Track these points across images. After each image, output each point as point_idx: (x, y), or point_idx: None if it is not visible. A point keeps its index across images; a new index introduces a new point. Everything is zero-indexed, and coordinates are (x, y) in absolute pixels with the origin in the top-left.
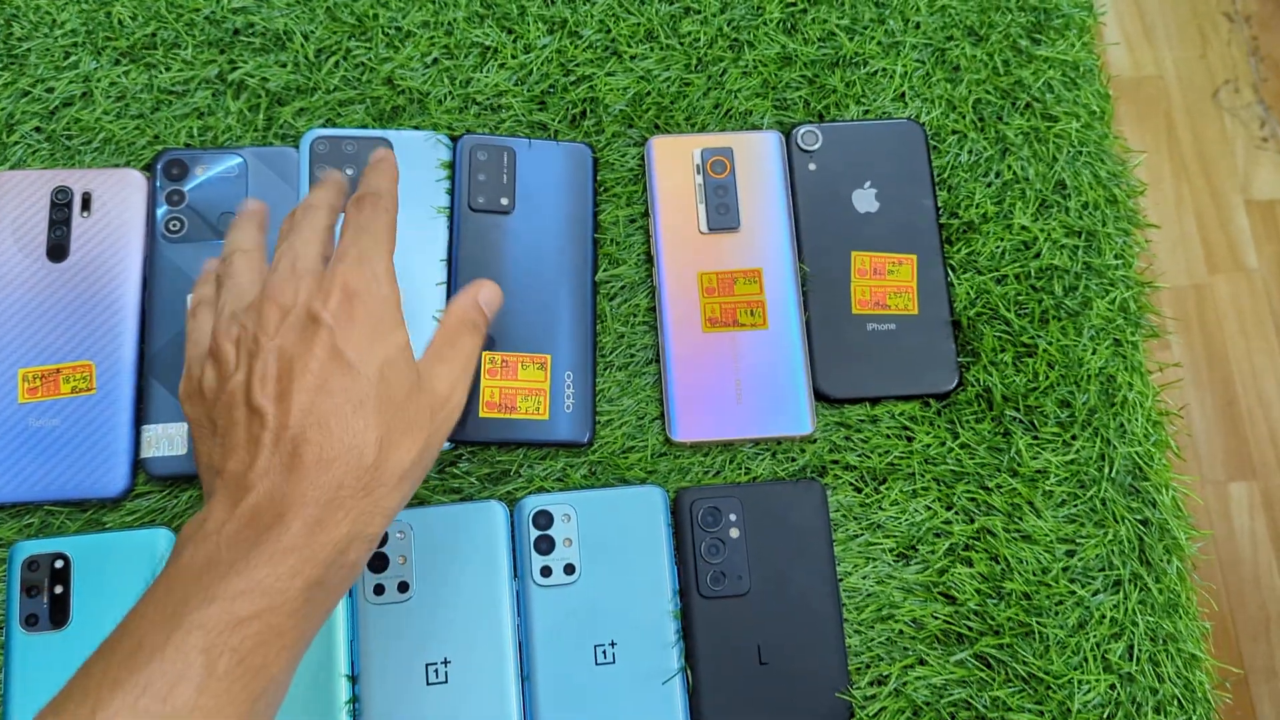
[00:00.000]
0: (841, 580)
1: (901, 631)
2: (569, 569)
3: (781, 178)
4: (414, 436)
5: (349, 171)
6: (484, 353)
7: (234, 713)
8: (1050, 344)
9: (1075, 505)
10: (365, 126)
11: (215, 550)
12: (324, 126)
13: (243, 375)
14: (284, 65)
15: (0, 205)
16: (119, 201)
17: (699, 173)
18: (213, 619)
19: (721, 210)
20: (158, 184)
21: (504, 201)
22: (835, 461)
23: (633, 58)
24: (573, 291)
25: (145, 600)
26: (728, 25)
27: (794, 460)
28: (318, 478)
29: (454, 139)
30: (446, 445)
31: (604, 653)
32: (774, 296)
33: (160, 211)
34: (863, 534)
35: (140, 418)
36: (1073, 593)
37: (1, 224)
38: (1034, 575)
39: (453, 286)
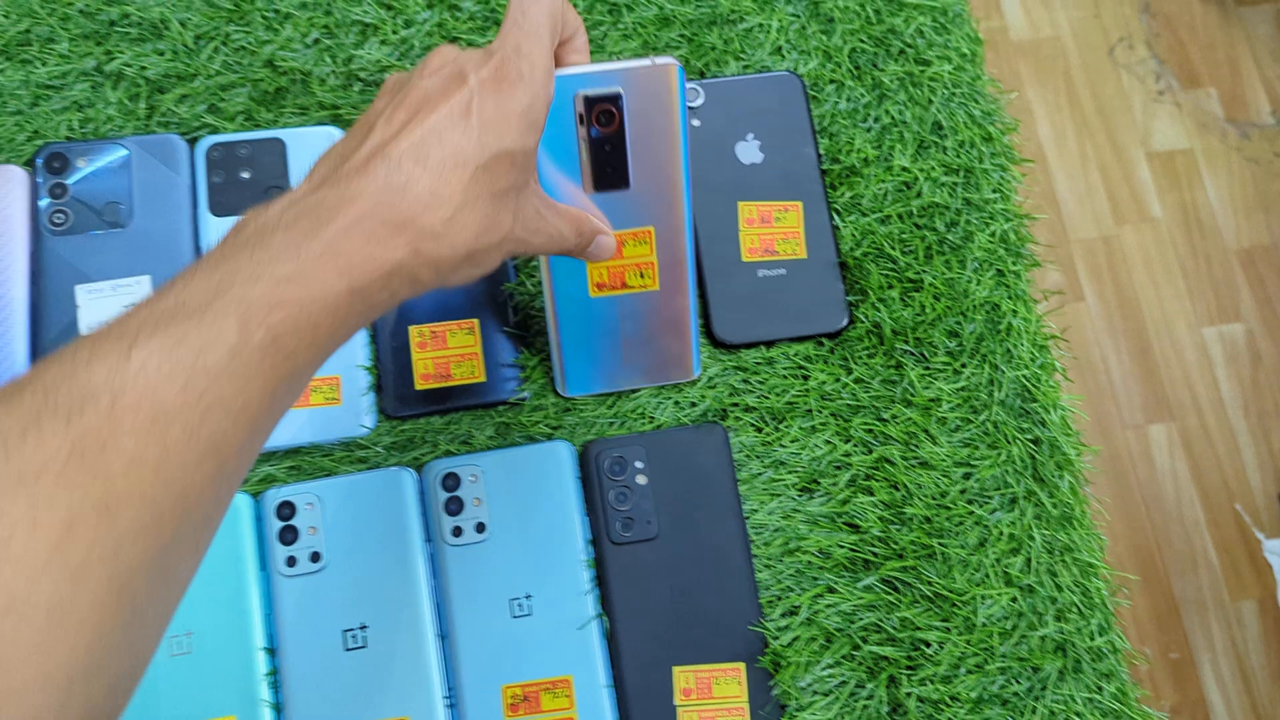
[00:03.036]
0: (748, 517)
1: (809, 563)
2: (480, 527)
3: (680, 117)
4: (487, 232)
5: (244, 175)
6: (412, 327)
7: (260, 387)
8: (935, 278)
9: (969, 430)
10: (249, 110)
11: (272, 233)
12: (208, 117)
13: (383, 103)
14: (162, 53)
15: None
16: (1, 197)
17: (581, 123)
18: (256, 296)
19: (610, 169)
20: (39, 178)
21: None
22: (735, 404)
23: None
24: None
25: (195, 267)
26: None
27: (695, 406)
28: (393, 200)
29: (344, 124)
30: (367, 428)
31: (520, 605)
32: (665, 257)
33: (43, 204)
34: (765, 471)
35: None
36: (971, 513)
37: None
38: (933, 499)
39: None
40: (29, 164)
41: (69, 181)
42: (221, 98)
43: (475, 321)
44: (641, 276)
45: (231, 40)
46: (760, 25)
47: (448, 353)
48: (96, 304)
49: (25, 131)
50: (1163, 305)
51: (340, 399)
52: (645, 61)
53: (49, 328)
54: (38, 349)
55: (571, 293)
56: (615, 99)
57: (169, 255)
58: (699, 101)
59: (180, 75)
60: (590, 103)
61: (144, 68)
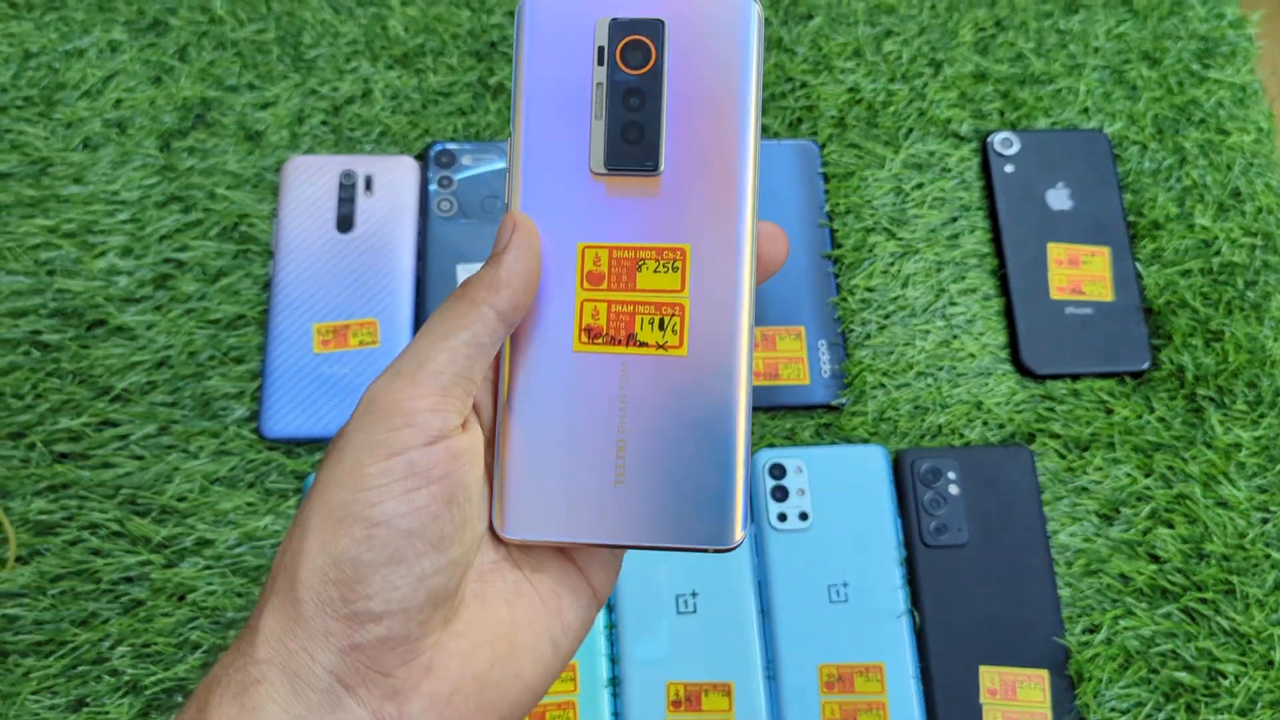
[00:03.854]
0: (1050, 537)
1: (1110, 585)
2: (803, 516)
3: (748, 76)
4: None
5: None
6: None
7: None
8: (1236, 331)
9: (1266, 477)
10: None
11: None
12: None
13: None
14: None
15: (296, 185)
16: (396, 183)
17: (600, 61)
18: None
19: (633, 136)
20: (430, 171)
21: None
22: (1041, 430)
23: (842, 71)
24: (814, 266)
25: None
26: (926, 46)
27: (1003, 427)
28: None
29: None
30: None
31: (837, 591)
32: (705, 298)
33: (432, 191)
34: (1068, 496)
35: None
36: (1268, 556)
37: (297, 200)
38: (1232, 539)
39: None
40: (419, 157)
41: (455, 175)
42: None
43: (802, 328)
44: (660, 328)
45: None
46: (1069, 88)
47: (777, 354)
48: None
49: (417, 130)
50: None
51: None
52: None
53: (432, 299)
54: (420, 317)
55: (544, 338)
56: (656, 28)
57: None
58: (1014, 150)
59: None
60: (618, 30)
61: None
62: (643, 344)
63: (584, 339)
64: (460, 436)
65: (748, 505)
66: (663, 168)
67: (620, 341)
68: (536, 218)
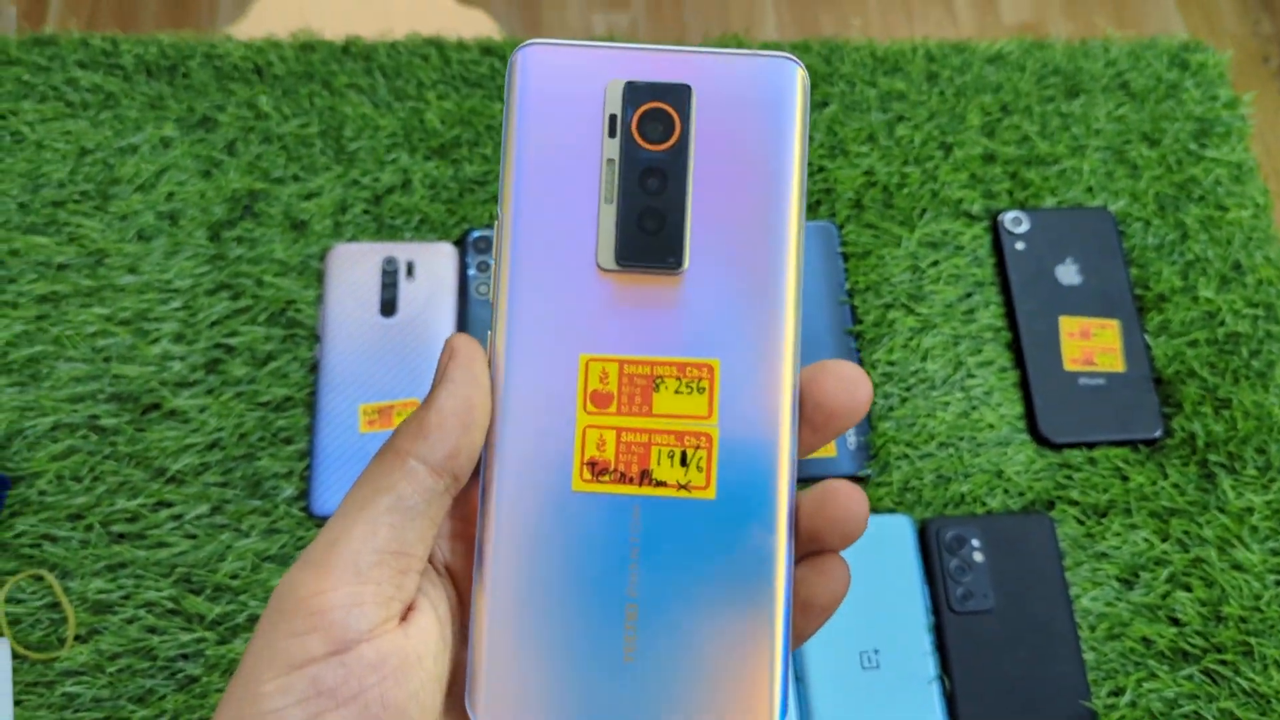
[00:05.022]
0: (1073, 602)
1: (1132, 649)
2: None
3: (788, 154)
4: None
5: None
6: None
7: None
8: (1243, 399)
9: (1279, 539)
10: None
11: None
12: None
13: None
14: None
15: (340, 271)
16: (436, 268)
17: (612, 132)
18: None
19: (651, 225)
20: (468, 255)
21: None
22: (1060, 497)
23: (858, 155)
24: (838, 342)
25: None
26: (936, 130)
27: (1023, 495)
28: None
29: None
30: None
31: (868, 659)
32: (738, 427)
33: (471, 275)
34: (1088, 562)
35: None
36: None
37: (342, 286)
38: (1248, 601)
39: None
40: (458, 243)
41: (491, 260)
42: None
43: None
44: (682, 463)
45: None
46: (1073, 168)
47: None
48: None
49: (454, 217)
50: None
51: None
52: (742, 52)
53: None
54: None
55: (536, 474)
56: (680, 95)
57: None
58: (1023, 228)
59: None
60: (635, 95)
61: None
62: (660, 483)
63: (586, 475)
64: (389, 636)
65: (786, 691)
66: (686, 264)
67: (632, 479)
68: (530, 322)
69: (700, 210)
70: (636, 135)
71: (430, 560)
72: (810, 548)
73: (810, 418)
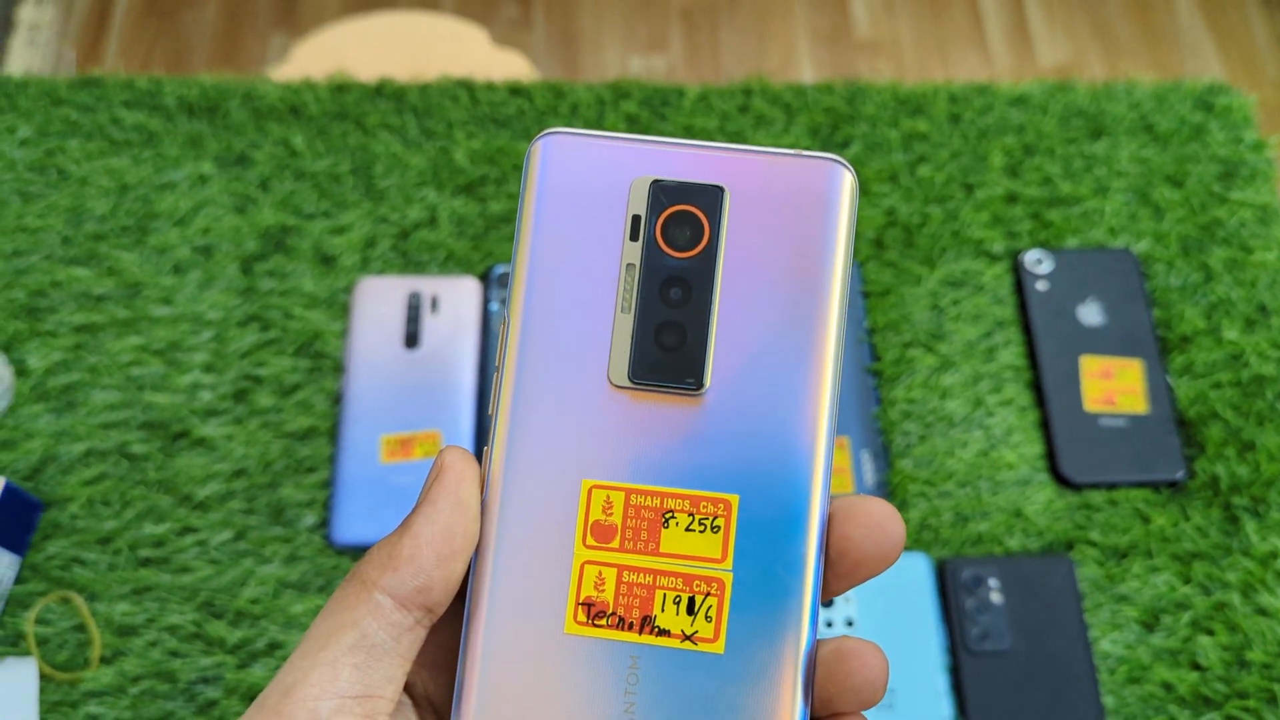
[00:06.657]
0: (1092, 644)
1: (1153, 694)
2: (849, 623)
3: (829, 268)
4: None
5: None
6: None
7: None
8: (1268, 442)
9: None
10: None
11: None
12: None
13: None
14: None
15: (367, 304)
16: (459, 303)
17: (634, 235)
18: None
19: (671, 339)
20: (491, 290)
21: None
22: (1080, 538)
23: (879, 195)
24: (857, 379)
25: None
26: (958, 170)
27: (1042, 535)
28: None
29: None
30: None
31: (884, 698)
32: (755, 574)
33: (493, 310)
34: (1108, 604)
35: None
36: None
37: (368, 319)
38: (1272, 647)
39: None
40: (482, 278)
41: None
42: None
43: (847, 439)
44: (689, 611)
45: None
46: (1096, 209)
47: None
48: None
49: (479, 252)
50: None
51: None
52: (784, 151)
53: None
54: (481, 427)
55: (524, 612)
56: (712, 197)
57: None
58: (1045, 268)
59: None
60: (662, 196)
61: None
62: (663, 631)
63: (581, 617)
64: None
65: None
66: (707, 385)
67: (632, 626)
68: (531, 439)
69: (726, 326)
70: (660, 240)
71: (409, 691)
72: (823, 712)
73: (834, 564)
